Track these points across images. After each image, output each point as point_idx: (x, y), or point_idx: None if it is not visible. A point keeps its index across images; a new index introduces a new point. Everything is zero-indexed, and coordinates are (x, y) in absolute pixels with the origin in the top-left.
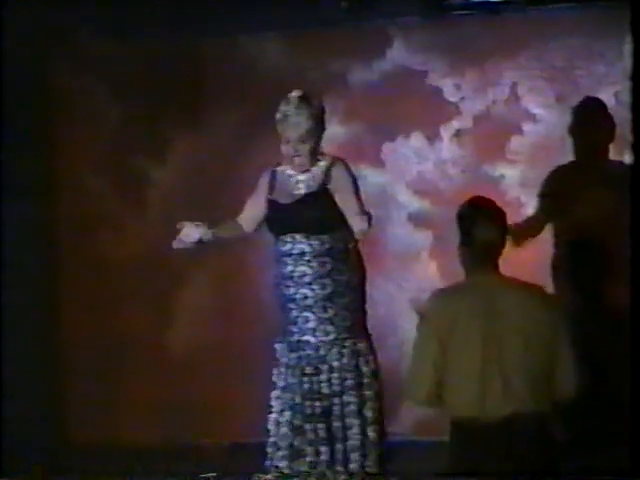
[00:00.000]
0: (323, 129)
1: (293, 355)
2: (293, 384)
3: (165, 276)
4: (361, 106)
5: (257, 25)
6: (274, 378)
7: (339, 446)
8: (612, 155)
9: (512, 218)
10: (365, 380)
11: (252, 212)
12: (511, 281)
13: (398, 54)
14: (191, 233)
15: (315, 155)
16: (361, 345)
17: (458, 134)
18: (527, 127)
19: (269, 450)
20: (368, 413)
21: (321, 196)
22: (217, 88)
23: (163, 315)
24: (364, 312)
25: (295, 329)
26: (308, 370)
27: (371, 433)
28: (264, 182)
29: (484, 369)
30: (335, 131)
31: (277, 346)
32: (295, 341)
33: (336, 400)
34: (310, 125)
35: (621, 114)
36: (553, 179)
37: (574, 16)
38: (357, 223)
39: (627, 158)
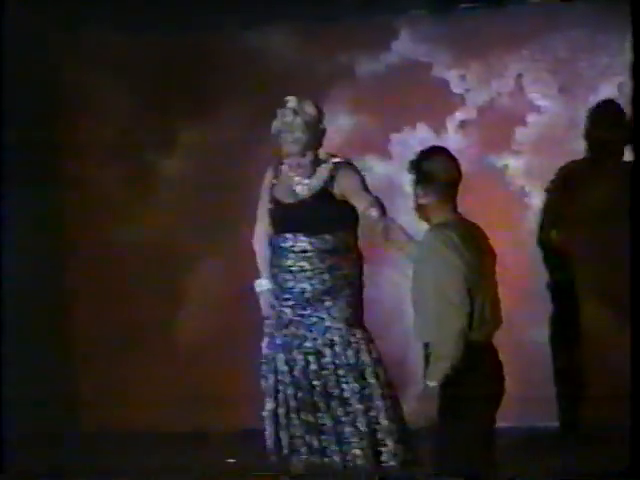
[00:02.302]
0: (323, 132)
1: (288, 345)
2: (284, 372)
3: (174, 265)
4: (368, 97)
5: (265, 18)
6: (275, 368)
7: (342, 434)
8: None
9: (516, 206)
10: (368, 369)
11: (266, 213)
12: (469, 220)
13: (404, 46)
14: (263, 286)
15: (317, 159)
16: (358, 335)
17: (463, 125)
18: (531, 118)
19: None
20: (378, 401)
21: (324, 198)
22: (226, 81)
23: (172, 303)
24: (361, 305)
25: (293, 319)
26: (304, 358)
27: (384, 421)
28: (268, 177)
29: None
30: (342, 122)
31: (276, 337)
32: (291, 334)
33: (335, 389)
34: (308, 137)
35: (623, 105)
36: (563, 175)
37: (577, 9)
38: (372, 214)
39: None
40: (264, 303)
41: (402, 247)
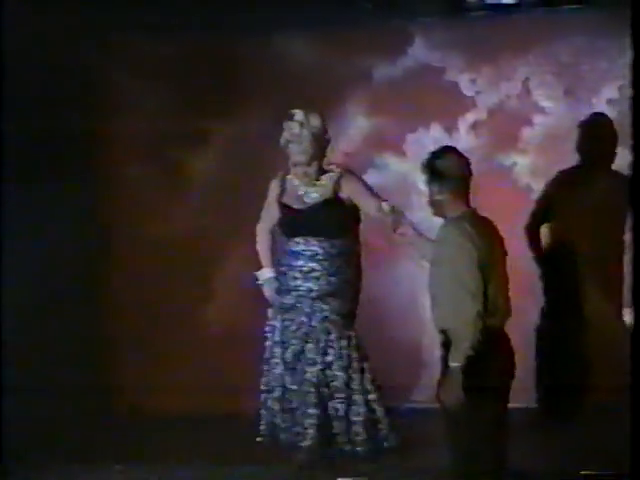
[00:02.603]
0: (328, 143)
1: (286, 329)
2: (277, 355)
3: (205, 256)
4: (385, 100)
5: (289, 24)
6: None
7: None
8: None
9: (523, 202)
10: (354, 363)
11: (269, 217)
12: (481, 215)
13: (419, 51)
14: (266, 275)
15: (322, 168)
16: (352, 333)
17: (474, 125)
18: (537, 119)
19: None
20: (356, 395)
21: (333, 204)
22: (252, 83)
23: (204, 292)
24: (356, 307)
25: (296, 306)
26: (299, 342)
27: (361, 409)
28: (275, 189)
29: (505, 284)
30: (361, 123)
31: (276, 321)
32: (290, 319)
33: (320, 374)
34: (314, 147)
35: (623, 107)
36: (557, 181)
37: (580, 16)
38: (384, 207)
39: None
40: (268, 290)
41: (412, 242)
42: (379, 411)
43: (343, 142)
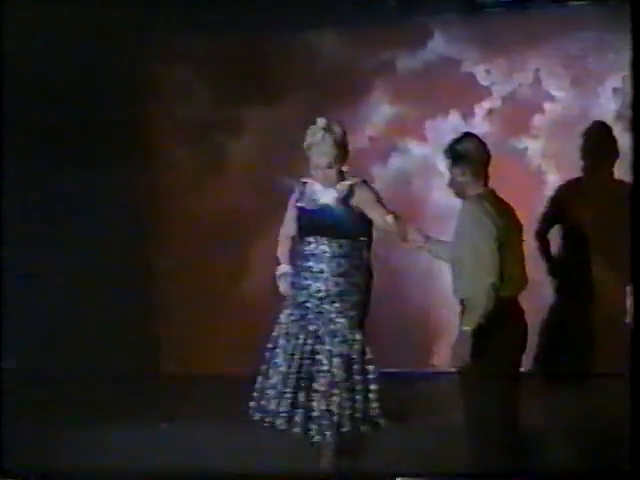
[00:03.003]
0: (347, 150)
1: (295, 322)
2: (283, 345)
3: (242, 232)
4: (407, 89)
5: (319, 21)
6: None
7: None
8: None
9: (534, 182)
10: (356, 365)
11: (290, 223)
12: (498, 195)
13: (438, 45)
14: (283, 270)
15: (341, 174)
16: (357, 336)
17: (489, 113)
18: (547, 106)
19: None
20: (358, 395)
21: (343, 207)
22: (286, 74)
23: (241, 265)
24: (366, 311)
25: (305, 304)
26: (304, 337)
27: (360, 410)
28: (296, 193)
29: (521, 257)
30: (385, 110)
31: (282, 316)
32: (299, 314)
33: (320, 373)
34: (336, 152)
35: (627, 97)
36: (562, 190)
37: (587, 12)
38: (388, 220)
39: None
40: (283, 284)
41: (421, 246)
42: (377, 413)
43: (368, 128)
